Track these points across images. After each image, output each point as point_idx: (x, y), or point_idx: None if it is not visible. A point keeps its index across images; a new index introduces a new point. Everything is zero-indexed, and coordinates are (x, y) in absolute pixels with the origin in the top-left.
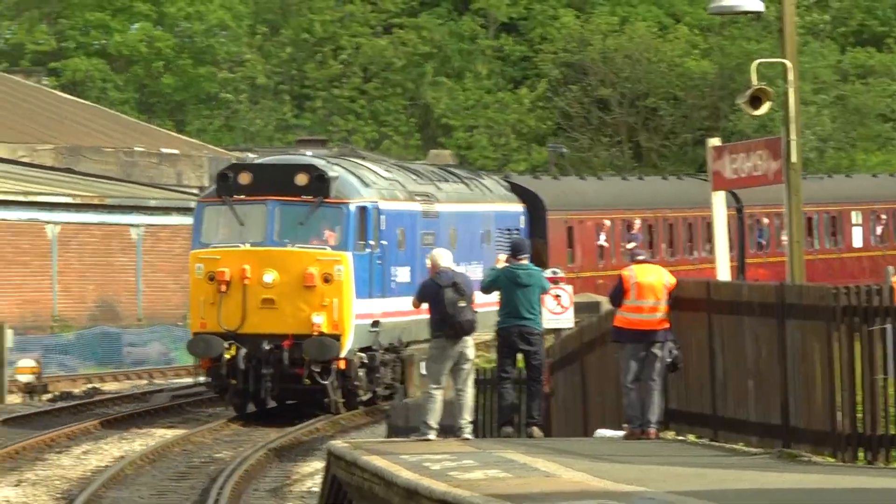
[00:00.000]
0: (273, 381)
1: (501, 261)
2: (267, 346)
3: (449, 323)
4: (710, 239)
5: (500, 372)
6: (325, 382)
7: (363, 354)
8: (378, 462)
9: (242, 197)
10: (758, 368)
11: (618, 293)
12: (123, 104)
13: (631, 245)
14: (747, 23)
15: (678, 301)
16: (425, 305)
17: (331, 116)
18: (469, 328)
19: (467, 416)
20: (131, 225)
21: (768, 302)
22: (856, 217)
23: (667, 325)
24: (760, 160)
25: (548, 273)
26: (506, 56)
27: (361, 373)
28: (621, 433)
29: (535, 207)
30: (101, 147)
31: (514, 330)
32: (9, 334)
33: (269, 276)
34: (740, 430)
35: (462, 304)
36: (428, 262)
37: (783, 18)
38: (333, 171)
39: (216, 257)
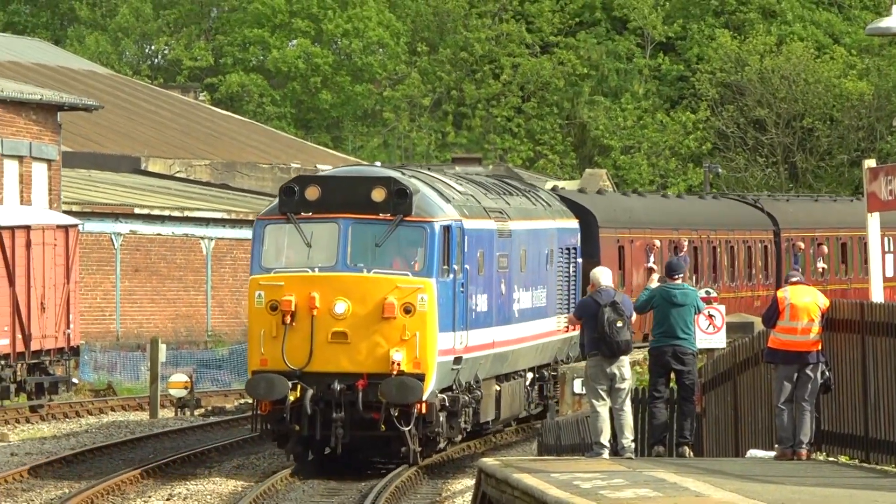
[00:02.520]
0: (344, 427)
1: (655, 280)
2: (338, 387)
3: (606, 342)
4: (750, 264)
5: (652, 391)
6: (406, 429)
7: (444, 396)
8: (528, 480)
9: (310, 214)
10: None
11: (771, 314)
12: (280, 119)
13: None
14: None
15: (831, 322)
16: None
17: (487, 135)
18: (626, 348)
19: (629, 436)
20: None
21: None
22: None
23: (819, 347)
24: None
25: (701, 293)
26: (662, 75)
27: (442, 417)
28: (773, 454)
29: (586, 224)
30: (256, 163)
31: (668, 350)
32: (162, 349)
33: (341, 306)
34: (892, 452)
35: (620, 324)
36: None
37: None
38: (414, 185)
39: (279, 284)
